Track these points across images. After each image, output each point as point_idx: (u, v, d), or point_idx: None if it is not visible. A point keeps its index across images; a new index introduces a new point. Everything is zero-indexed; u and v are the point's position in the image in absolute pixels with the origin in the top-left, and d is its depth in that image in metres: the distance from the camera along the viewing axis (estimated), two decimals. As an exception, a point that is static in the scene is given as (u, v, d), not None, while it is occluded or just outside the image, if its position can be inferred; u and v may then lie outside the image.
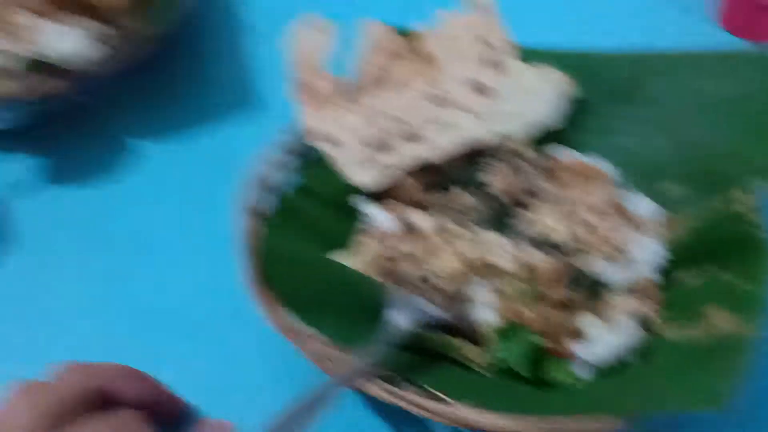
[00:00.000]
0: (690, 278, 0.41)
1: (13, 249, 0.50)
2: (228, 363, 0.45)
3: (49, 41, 0.54)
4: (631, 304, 0.40)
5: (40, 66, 0.52)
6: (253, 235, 0.43)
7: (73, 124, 0.58)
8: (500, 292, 0.40)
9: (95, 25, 0.54)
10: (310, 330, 0.39)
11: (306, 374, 0.39)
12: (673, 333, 0.39)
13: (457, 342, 0.40)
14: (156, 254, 0.51)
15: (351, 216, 0.47)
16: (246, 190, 0.45)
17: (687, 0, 0.68)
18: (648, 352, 0.39)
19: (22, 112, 0.54)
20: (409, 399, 0.36)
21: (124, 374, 0.38)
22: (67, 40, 0.54)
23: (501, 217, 0.46)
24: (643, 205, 0.46)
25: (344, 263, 0.43)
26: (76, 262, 0.50)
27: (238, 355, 0.45)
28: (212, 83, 0.62)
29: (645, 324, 0.40)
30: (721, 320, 0.37)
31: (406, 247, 0.44)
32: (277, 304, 0.40)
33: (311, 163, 0.49)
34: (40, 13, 0.55)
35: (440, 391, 0.37)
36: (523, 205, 0.46)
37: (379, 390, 0.36)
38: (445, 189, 0.48)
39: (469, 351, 0.40)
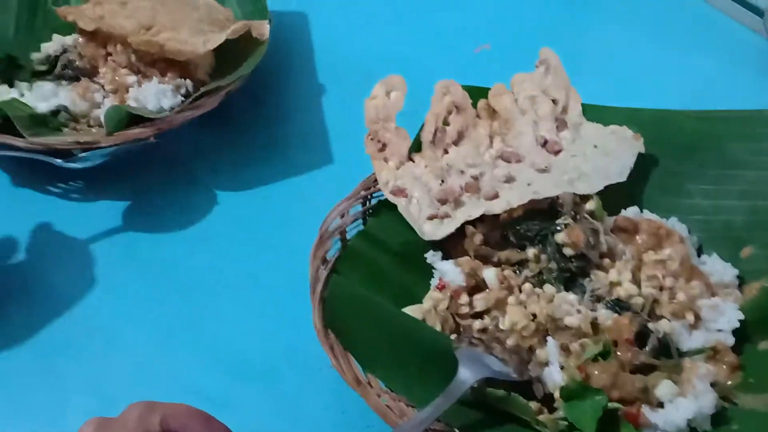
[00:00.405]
0: (770, 345, 0.40)
1: (92, 288, 0.54)
2: (292, 409, 0.46)
3: (145, 97, 0.61)
4: (708, 369, 0.39)
5: (134, 117, 0.58)
6: (322, 283, 0.45)
7: (151, 167, 0.63)
8: (569, 351, 0.40)
9: (179, 80, 0.62)
10: (375, 379, 0.40)
11: (370, 425, 0.40)
12: (750, 401, 0.38)
13: (523, 401, 0.40)
14: (227, 298, 0.53)
15: (419, 267, 0.48)
16: (318, 240, 0.47)
17: (765, 66, 0.67)
18: (726, 420, 0.38)
19: (104, 155, 0.58)
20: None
21: (189, 414, 0.38)
22: (159, 95, 0.61)
23: (573, 276, 0.46)
24: (719, 268, 0.45)
25: (412, 315, 0.44)
26: (151, 302, 0.53)
27: (303, 402, 0.46)
28: (283, 132, 0.66)
29: (720, 390, 0.39)
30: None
31: (475, 302, 0.45)
32: (345, 353, 0.42)
33: (380, 213, 0.51)
34: (136, 71, 0.63)
35: (506, 450, 0.37)
36: (596, 265, 0.46)
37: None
38: (520, 248, 0.48)
39: (535, 411, 0.39)
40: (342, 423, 0.45)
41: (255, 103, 0.68)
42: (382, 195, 0.52)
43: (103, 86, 0.62)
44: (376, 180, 0.52)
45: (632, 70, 0.69)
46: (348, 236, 0.50)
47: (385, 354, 0.42)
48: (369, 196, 0.52)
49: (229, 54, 0.64)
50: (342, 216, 0.50)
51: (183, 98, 0.61)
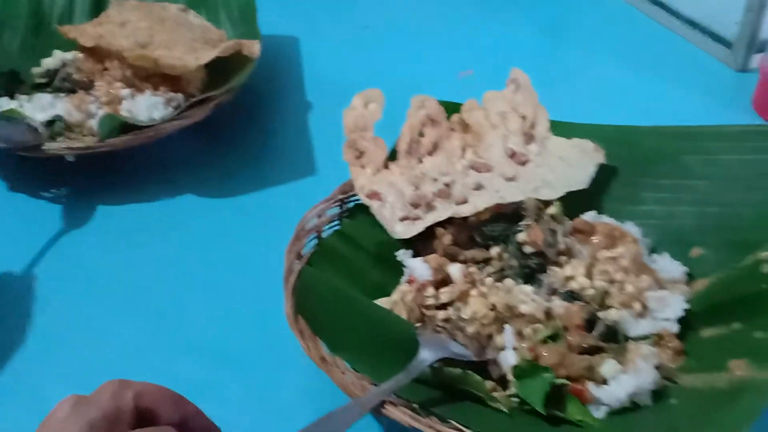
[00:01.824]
0: (713, 332, 0.45)
1: (75, 285, 0.59)
2: (264, 393, 0.50)
3: (137, 108, 0.68)
4: (650, 350, 0.43)
5: (126, 127, 0.64)
6: (295, 274, 0.49)
7: (141, 174, 0.69)
8: (522, 335, 0.45)
9: (171, 94, 0.68)
10: (341, 361, 0.44)
11: (338, 402, 0.44)
12: (690, 380, 0.42)
13: (478, 378, 0.44)
14: (207, 293, 0.58)
15: (389, 265, 0.53)
16: (294, 237, 0.52)
17: (728, 93, 0.74)
18: (665, 396, 0.42)
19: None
20: (429, 425, 0.40)
21: (161, 393, 0.39)
22: (150, 108, 0.68)
23: (533, 272, 0.51)
24: (669, 266, 0.50)
25: (378, 304, 0.49)
26: (133, 297, 0.58)
27: (275, 387, 0.51)
28: (270, 145, 0.72)
29: (664, 372, 0.43)
30: (742, 370, 0.40)
31: (440, 295, 0.50)
32: (313, 337, 0.46)
33: (355, 216, 0.56)
34: (130, 85, 0.70)
35: (461, 424, 0.41)
36: (554, 262, 0.51)
37: (401, 414, 0.41)
38: (485, 248, 0.53)
39: (490, 389, 0.44)
40: (312, 406, 0.49)
41: (245, 118, 0.74)
42: (359, 199, 0.57)
43: (97, 98, 0.69)
44: (353, 185, 0.57)
45: (600, 92, 0.76)
46: (324, 236, 0.55)
47: (351, 338, 0.46)
48: (345, 200, 0.58)
49: (221, 71, 0.71)
50: (319, 216, 0.56)
51: (174, 110, 0.68)
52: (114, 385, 0.38)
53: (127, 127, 0.64)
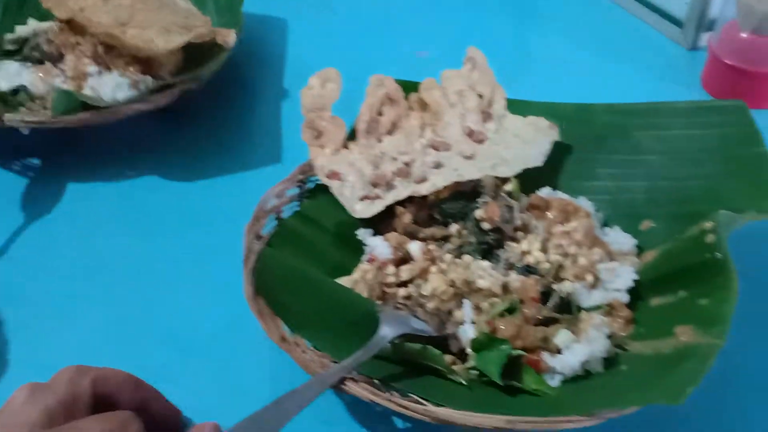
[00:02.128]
0: (660, 300, 0.47)
1: (30, 268, 0.58)
2: (228, 377, 0.51)
3: (101, 87, 0.66)
4: (601, 319, 0.45)
5: (87, 105, 0.64)
6: (255, 255, 0.49)
7: (104, 153, 0.68)
8: (480, 309, 0.46)
9: (140, 76, 0.67)
10: (302, 340, 0.45)
11: (300, 381, 0.44)
12: (640, 347, 0.44)
13: (438, 352, 0.45)
14: (169, 278, 0.58)
15: (349, 244, 0.54)
16: (254, 217, 0.52)
17: (680, 72, 0.76)
18: (616, 363, 0.44)
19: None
20: (390, 399, 0.41)
21: (120, 378, 0.40)
22: (115, 88, 0.66)
23: (491, 248, 0.52)
24: (620, 239, 0.52)
25: (339, 283, 0.50)
26: (95, 282, 0.57)
27: (238, 370, 0.51)
28: (239, 132, 0.72)
29: (615, 340, 0.45)
30: (687, 335, 0.42)
31: (400, 272, 0.51)
32: (273, 317, 0.46)
33: (316, 196, 0.56)
34: (100, 62, 0.68)
35: (421, 397, 0.42)
36: (510, 238, 0.52)
37: (361, 390, 0.42)
38: (444, 225, 0.54)
39: (449, 362, 0.45)
40: (274, 386, 0.49)
41: (217, 106, 0.73)
42: (319, 179, 0.57)
43: (64, 72, 0.67)
44: (313, 165, 0.58)
45: (555, 71, 0.77)
46: (284, 216, 0.55)
47: (312, 317, 0.47)
48: (305, 180, 0.58)
49: (198, 58, 0.70)
50: (278, 197, 0.56)
51: (138, 93, 0.66)
52: (71, 371, 0.39)
53: (85, 105, 0.63)
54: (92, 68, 0.66)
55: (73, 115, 0.62)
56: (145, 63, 0.68)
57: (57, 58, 0.68)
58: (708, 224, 0.46)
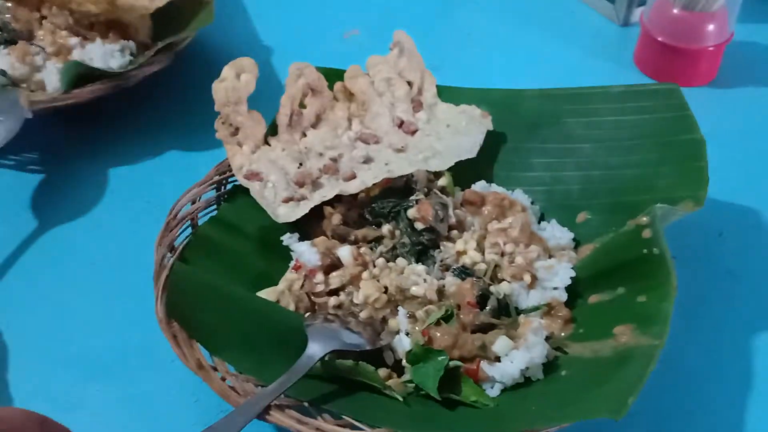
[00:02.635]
0: (599, 297, 0.46)
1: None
2: (143, 404, 0.47)
3: (91, 58, 0.63)
4: (539, 323, 0.44)
5: (84, 77, 0.60)
6: (167, 270, 0.45)
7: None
8: (414, 318, 0.44)
9: (123, 42, 0.66)
10: (224, 364, 0.42)
11: (224, 410, 0.41)
12: (579, 348, 0.43)
13: (371, 368, 0.43)
14: (75, 295, 0.53)
15: (274, 251, 0.50)
16: (165, 226, 0.48)
17: (613, 48, 0.75)
18: (556, 368, 0.43)
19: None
20: (319, 427, 0.39)
21: (22, 417, 0.37)
22: (106, 56, 0.64)
23: (425, 248, 0.50)
24: (557, 234, 0.50)
25: (263, 297, 0.46)
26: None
27: (155, 396, 0.47)
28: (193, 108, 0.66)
29: (554, 342, 0.44)
30: (627, 336, 0.41)
31: (330, 280, 0.48)
32: (190, 341, 0.43)
33: (235, 199, 0.52)
34: (76, 33, 0.65)
35: (355, 419, 0.40)
36: (446, 237, 0.50)
37: (288, 419, 0.39)
38: (376, 226, 0.51)
39: (385, 377, 0.43)
40: (195, 412, 0.46)
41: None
42: (237, 181, 0.53)
43: (43, 49, 0.63)
44: (231, 165, 0.53)
45: (487, 51, 0.75)
46: (199, 223, 0.51)
47: (233, 338, 0.44)
48: (223, 182, 0.54)
49: (169, 20, 0.67)
50: (193, 202, 0.52)
51: (131, 58, 0.65)
52: None
53: (87, 77, 0.60)
54: (73, 40, 0.64)
55: (83, 87, 0.60)
56: (120, 29, 0.66)
57: (28, 36, 0.64)
58: (644, 219, 0.45)
